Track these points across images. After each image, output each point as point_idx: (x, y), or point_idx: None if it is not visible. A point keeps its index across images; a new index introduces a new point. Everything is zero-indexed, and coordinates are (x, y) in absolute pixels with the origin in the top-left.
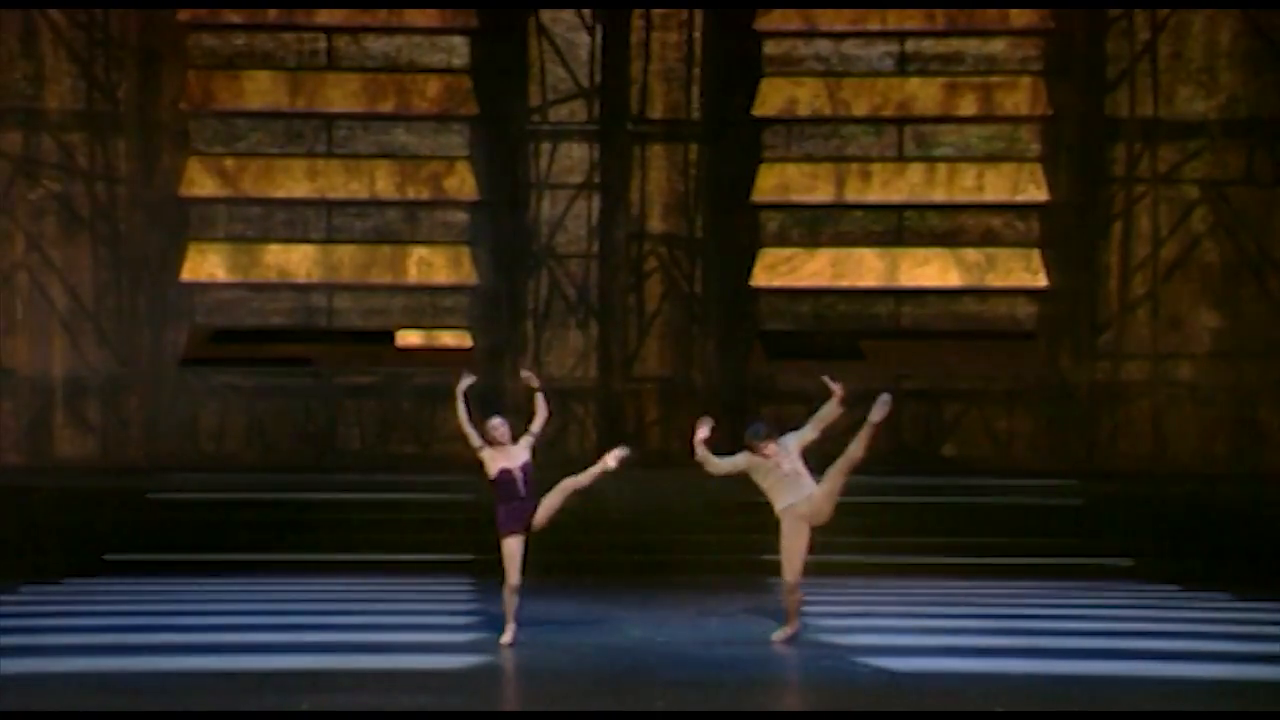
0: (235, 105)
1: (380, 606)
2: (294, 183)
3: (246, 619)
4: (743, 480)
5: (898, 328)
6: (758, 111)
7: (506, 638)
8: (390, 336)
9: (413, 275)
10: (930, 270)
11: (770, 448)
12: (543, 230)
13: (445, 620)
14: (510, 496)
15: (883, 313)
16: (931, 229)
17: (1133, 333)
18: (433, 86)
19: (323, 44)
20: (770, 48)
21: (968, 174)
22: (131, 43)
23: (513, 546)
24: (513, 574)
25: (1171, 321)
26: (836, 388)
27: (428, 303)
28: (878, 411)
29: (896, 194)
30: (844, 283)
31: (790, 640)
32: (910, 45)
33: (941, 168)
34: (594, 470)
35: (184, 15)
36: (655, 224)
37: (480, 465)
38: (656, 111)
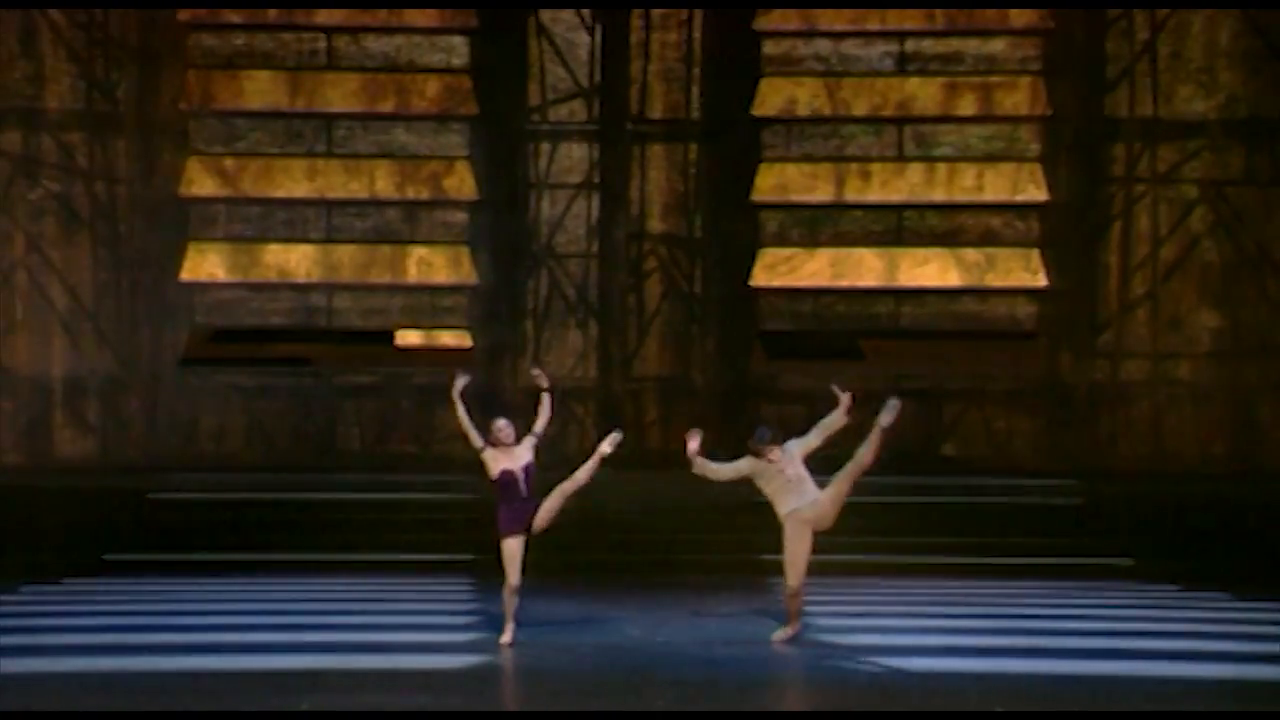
0: (235, 105)
1: (380, 606)
2: (294, 182)
3: (246, 619)
4: (743, 481)
5: (897, 328)
6: (757, 111)
7: (505, 638)
8: (390, 336)
9: (412, 275)
10: (930, 270)
11: (775, 452)
12: (542, 230)
13: (445, 620)
14: (512, 497)
15: (882, 312)
16: (931, 229)
17: (1132, 332)
18: (432, 86)
19: (322, 44)
20: (770, 47)
21: (967, 174)
22: (131, 42)
23: (513, 547)
24: (512, 575)
25: (1171, 321)
26: (845, 397)
27: (427, 302)
28: (886, 415)
29: (896, 194)
30: (844, 282)
31: (790, 641)
32: (910, 45)
33: (941, 167)
34: (591, 463)
35: (184, 15)
36: (655, 224)
37: (481, 465)
38: (656, 111)
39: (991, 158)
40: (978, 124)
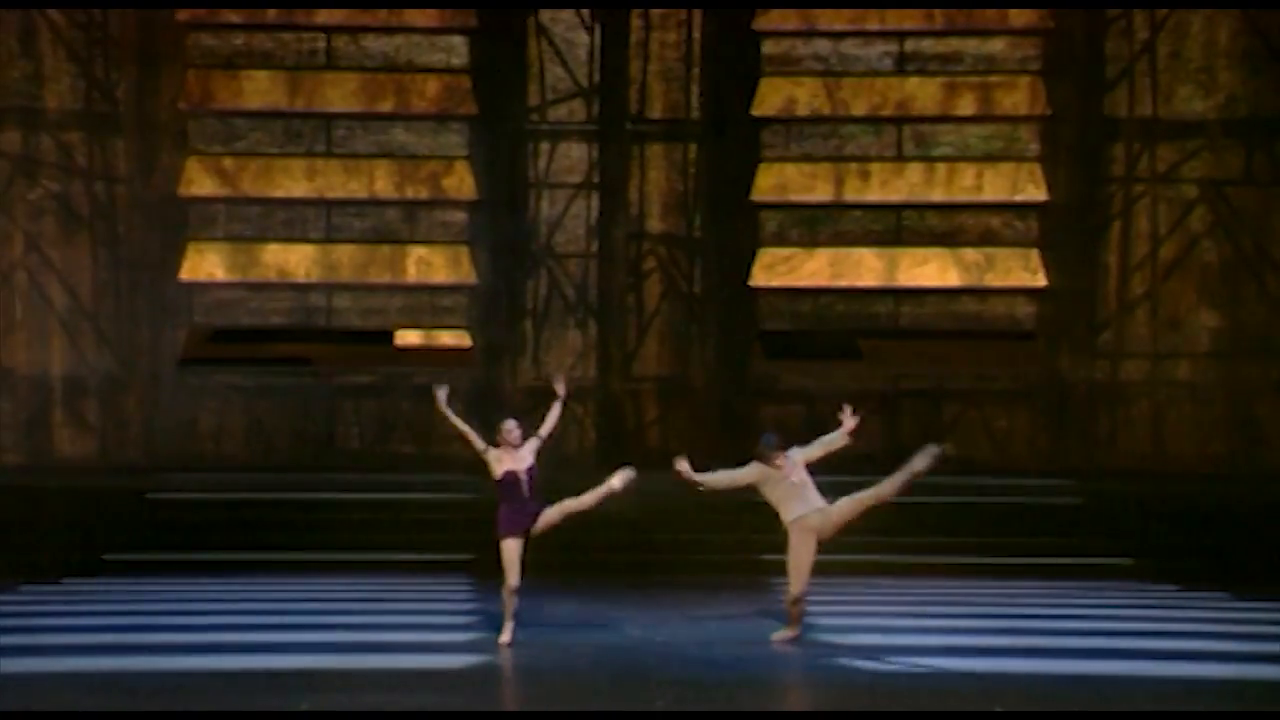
0: (234, 105)
1: (380, 606)
2: (293, 182)
3: (246, 619)
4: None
5: (897, 327)
6: (757, 111)
7: (505, 637)
8: (389, 336)
9: (412, 275)
10: (929, 270)
11: (781, 458)
12: (542, 230)
13: (445, 620)
14: (513, 498)
15: (882, 312)
16: (930, 229)
17: (1131, 332)
18: (432, 86)
19: (322, 44)
20: (769, 47)
21: (967, 174)
22: (130, 42)
23: (512, 548)
24: (511, 576)
25: (1170, 321)
26: (850, 421)
27: (426, 302)
28: (922, 461)
29: (895, 194)
30: (843, 282)
31: (790, 641)
32: (909, 45)
33: (940, 167)
34: (599, 491)
35: (183, 15)
36: (654, 224)
37: (484, 465)
38: (655, 111)
39: (991, 157)
40: (977, 124)
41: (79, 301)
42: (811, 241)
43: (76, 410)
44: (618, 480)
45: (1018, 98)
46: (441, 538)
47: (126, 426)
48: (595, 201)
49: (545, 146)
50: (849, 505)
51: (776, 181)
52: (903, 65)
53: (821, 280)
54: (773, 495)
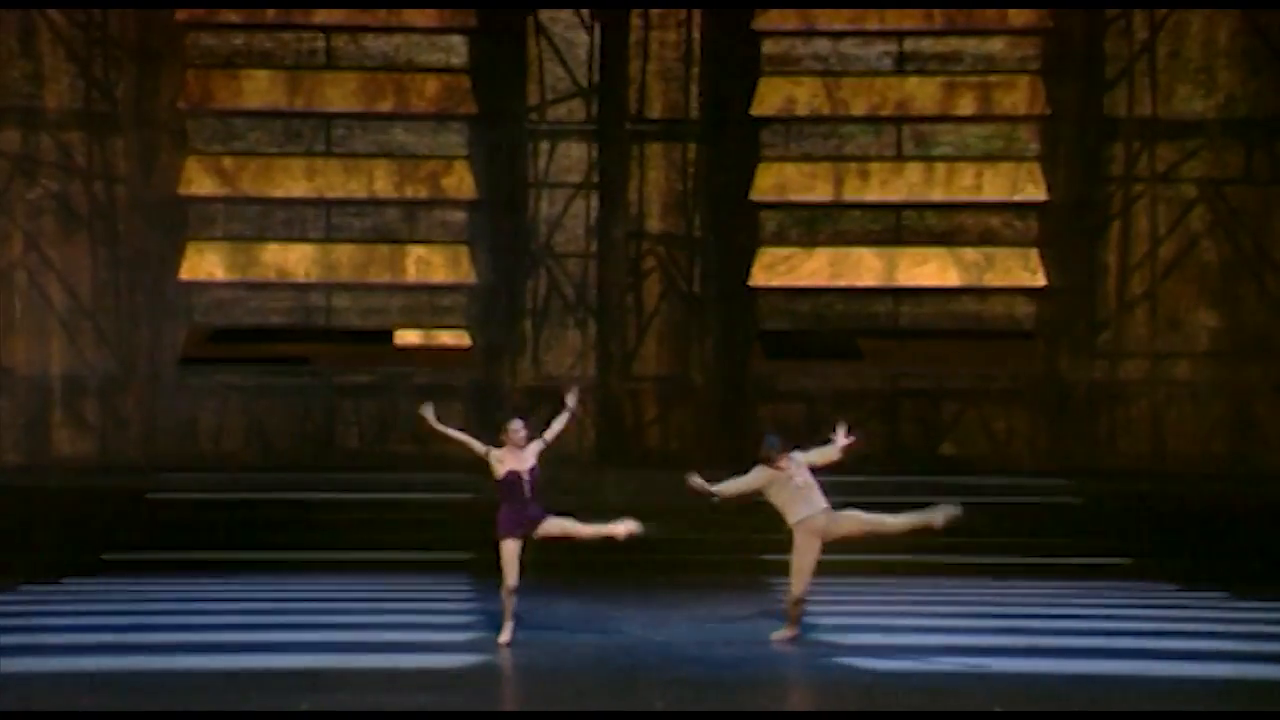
0: (234, 104)
1: (380, 606)
2: (292, 182)
3: (246, 619)
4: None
5: (896, 327)
6: (756, 111)
7: (504, 637)
8: (389, 335)
9: (411, 274)
10: (929, 269)
11: (784, 460)
12: (541, 229)
13: (445, 620)
14: (514, 499)
15: (881, 312)
16: (930, 228)
17: (1131, 332)
18: (431, 86)
19: (321, 43)
20: (769, 47)
21: (966, 173)
22: (130, 42)
23: (511, 549)
24: (510, 576)
25: (1170, 320)
26: (843, 440)
27: (426, 302)
28: (939, 516)
29: (895, 193)
30: (842, 282)
31: (790, 641)
32: (909, 44)
33: (940, 167)
34: (601, 531)
35: (182, 15)
36: (654, 223)
37: (487, 466)
38: (655, 111)
39: (990, 157)
40: (976, 123)
41: (78, 301)
42: (811, 241)
43: (76, 410)
44: (621, 529)
45: (1017, 97)
46: (441, 537)
47: (126, 426)
48: (595, 201)
49: (545, 146)
50: (854, 522)
51: (776, 181)
52: (902, 65)
53: (821, 280)
54: (778, 498)
